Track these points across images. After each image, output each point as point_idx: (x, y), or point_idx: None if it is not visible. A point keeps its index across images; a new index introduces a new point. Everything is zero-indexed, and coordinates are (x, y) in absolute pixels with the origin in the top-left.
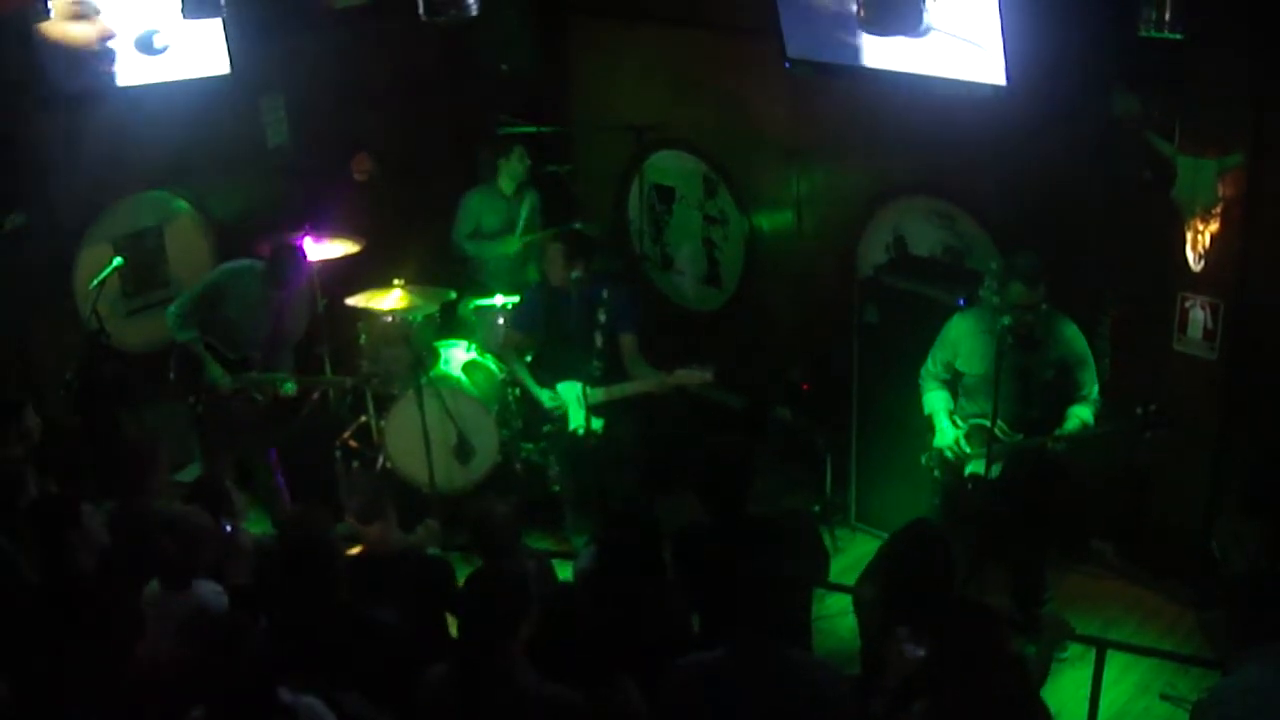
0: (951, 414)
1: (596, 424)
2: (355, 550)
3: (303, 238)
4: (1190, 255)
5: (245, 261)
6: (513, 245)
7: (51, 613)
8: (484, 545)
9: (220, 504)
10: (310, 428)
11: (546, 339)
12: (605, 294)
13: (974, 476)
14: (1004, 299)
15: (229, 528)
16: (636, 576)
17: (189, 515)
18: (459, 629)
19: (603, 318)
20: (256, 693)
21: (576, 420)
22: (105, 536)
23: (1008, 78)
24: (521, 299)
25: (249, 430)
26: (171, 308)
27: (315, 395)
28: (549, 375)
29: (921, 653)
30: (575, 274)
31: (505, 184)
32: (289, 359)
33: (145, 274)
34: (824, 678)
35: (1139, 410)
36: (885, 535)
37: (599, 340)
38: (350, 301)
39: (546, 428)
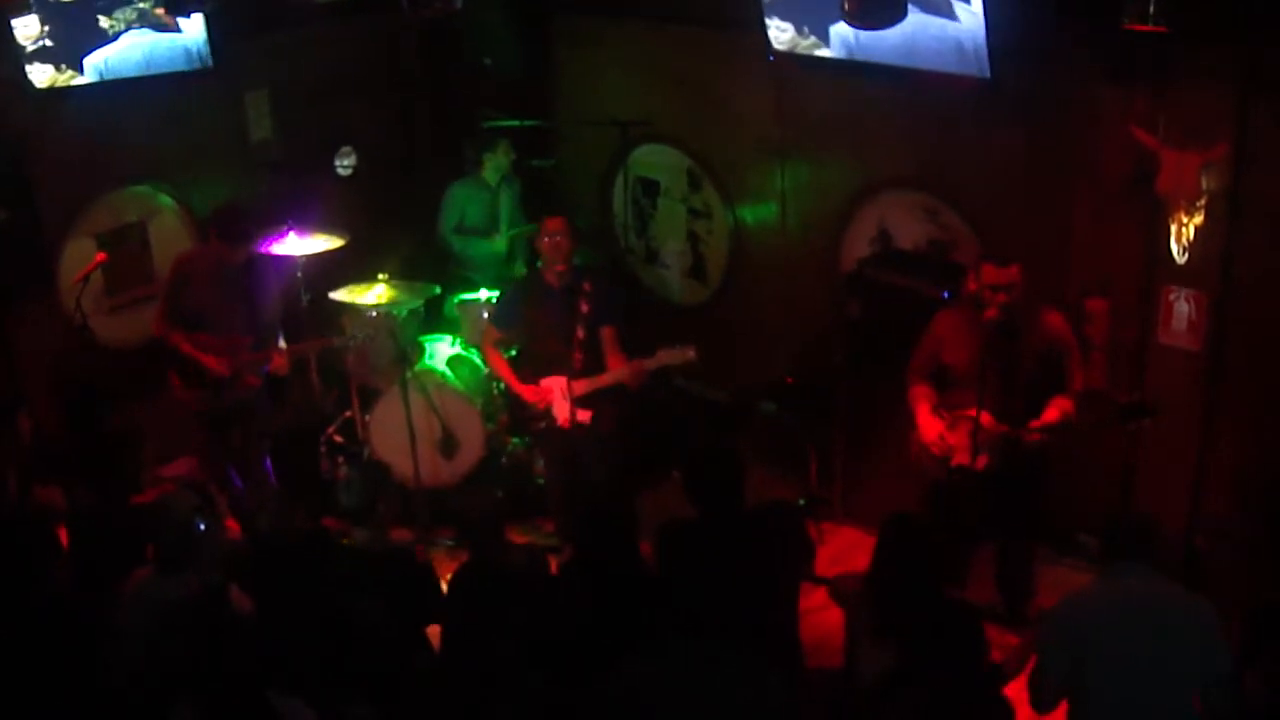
0: (936, 409)
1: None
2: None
3: (286, 232)
4: (1174, 248)
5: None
6: (500, 244)
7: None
8: (470, 539)
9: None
10: (295, 423)
11: (529, 335)
12: (587, 286)
13: (959, 469)
14: (978, 282)
15: (202, 526)
16: (611, 570)
17: (172, 503)
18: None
19: (584, 309)
20: (244, 687)
21: (562, 414)
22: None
23: (992, 70)
24: (502, 294)
25: (243, 420)
26: (154, 326)
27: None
28: (532, 370)
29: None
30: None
31: (489, 175)
32: (277, 342)
33: (129, 270)
34: (768, 689)
35: (1120, 401)
36: (871, 529)
37: (580, 332)
38: (334, 296)
39: (540, 425)
